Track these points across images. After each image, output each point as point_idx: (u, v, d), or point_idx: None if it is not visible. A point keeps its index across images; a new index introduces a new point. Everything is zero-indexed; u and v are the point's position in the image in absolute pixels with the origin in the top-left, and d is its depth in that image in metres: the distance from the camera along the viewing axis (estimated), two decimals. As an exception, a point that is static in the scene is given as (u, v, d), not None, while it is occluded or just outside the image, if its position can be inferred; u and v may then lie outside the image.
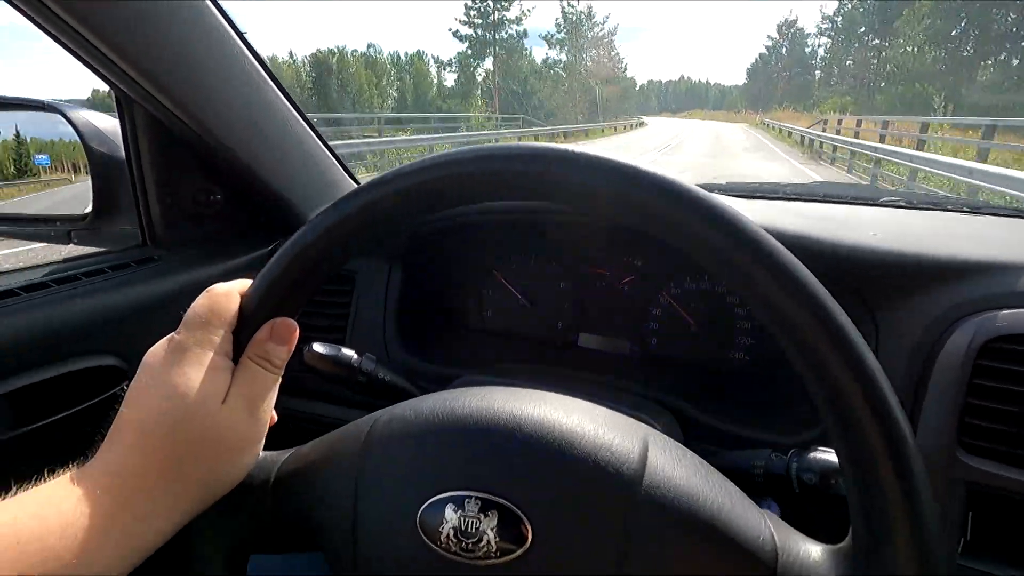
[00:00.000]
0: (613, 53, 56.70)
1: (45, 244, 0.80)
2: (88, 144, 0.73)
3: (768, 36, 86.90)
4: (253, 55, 0.71)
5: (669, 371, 0.75)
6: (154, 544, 0.32)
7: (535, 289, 0.84)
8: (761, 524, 0.31)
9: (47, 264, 0.71)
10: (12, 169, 0.83)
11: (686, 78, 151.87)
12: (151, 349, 0.35)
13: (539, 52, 58.96)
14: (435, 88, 61.28)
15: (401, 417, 0.36)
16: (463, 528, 0.30)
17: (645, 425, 0.34)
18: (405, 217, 0.36)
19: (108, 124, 0.76)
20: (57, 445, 0.63)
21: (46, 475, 0.31)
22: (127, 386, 0.35)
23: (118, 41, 0.57)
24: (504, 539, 0.30)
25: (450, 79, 61.47)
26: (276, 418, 0.40)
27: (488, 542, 0.30)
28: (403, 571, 0.33)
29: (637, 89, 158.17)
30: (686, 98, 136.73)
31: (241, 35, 0.68)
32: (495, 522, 0.30)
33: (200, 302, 0.36)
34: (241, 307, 0.37)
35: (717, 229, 0.29)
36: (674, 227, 0.30)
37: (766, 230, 0.29)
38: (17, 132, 0.85)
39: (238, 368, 0.35)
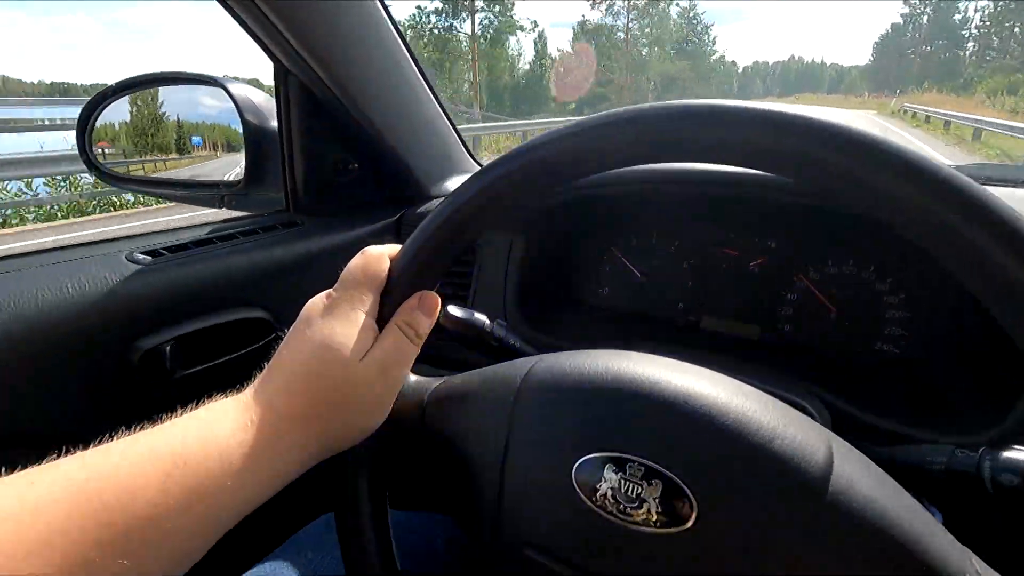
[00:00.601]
0: (687, 11, 44.54)
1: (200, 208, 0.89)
2: (244, 116, 0.80)
3: (905, 1, 70.54)
4: (396, 30, 0.75)
5: (805, 360, 0.71)
6: (288, 478, 0.34)
7: (656, 267, 0.83)
8: (966, 564, 0.28)
9: (206, 224, 0.79)
10: (175, 148, 0.94)
11: (796, 58, 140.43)
12: (311, 300, 0.38)
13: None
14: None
15: (560, 368, 0.36)
16: (623, 490, 0.30)
17: (824, 428, 0.33)
18: (556, 183, 0.36)
19: (260, 98, 0.83)
20: (214, 388, 0.70)
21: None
22: (280, 335, 0.37)
23: (288, 16, 0.63)
24: (666, 512, 0.30)
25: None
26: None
27: (649, 510, 0.30)
28: (551, 517, 0.33)
29: (740, 71, 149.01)
30: (796, 81, 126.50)
31: (387, 8, 0.72)
32: (659, 492, 0.30)
33: (355, 262, 0.39)
34: (390, 270, 0.39)
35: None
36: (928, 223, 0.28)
37: None
38: (178, 118, 0.95)
39: (384, 332, 0.37)
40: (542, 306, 0.84)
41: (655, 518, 0.30)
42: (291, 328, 0.37)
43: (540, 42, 39.43)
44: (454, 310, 0.57)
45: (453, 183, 0.97)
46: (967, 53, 63.51)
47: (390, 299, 0.38)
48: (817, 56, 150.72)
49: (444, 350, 0.81)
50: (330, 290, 0.38)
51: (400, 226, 0.91)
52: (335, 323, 0.36)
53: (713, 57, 52.09)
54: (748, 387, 0.33)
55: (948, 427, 0.56)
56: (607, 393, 0.33)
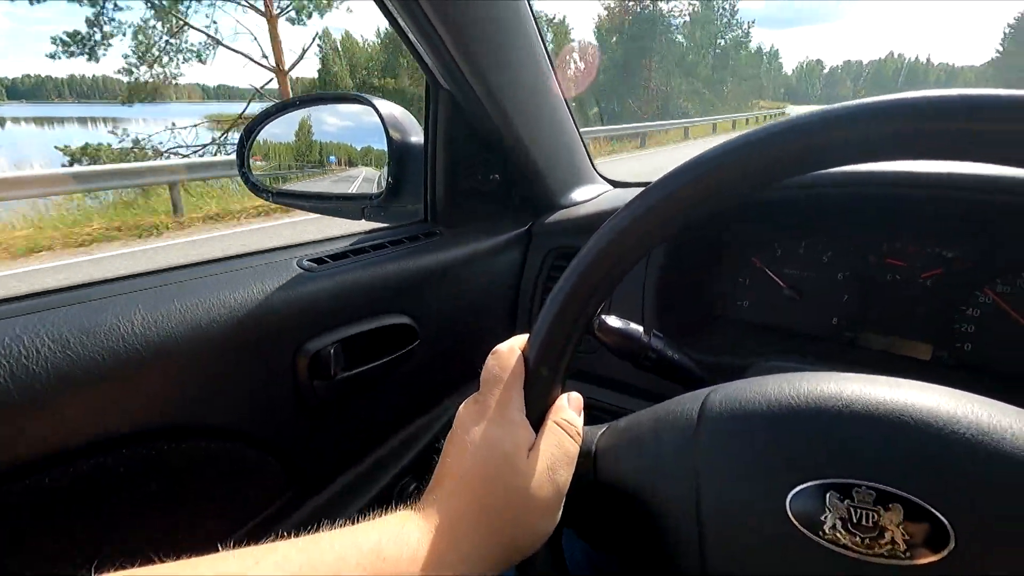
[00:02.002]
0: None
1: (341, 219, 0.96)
2: (389, 131, 0.86)
3: None
4: (542, 39, 0.78)
5: (992, 382, 0.66)
6: None
7: (805, 279, 0.80)
8: None
9: (355, 234, 0.86)
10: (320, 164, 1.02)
11: (896, 55, 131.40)
12: (462, 406, 0.40)
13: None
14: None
15: (742, 396, 0.35)
16: (855, 520, 0.29)
17: None
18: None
19: (402, 114, 0.89)
20: (368, 389, 0.75)
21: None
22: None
23: (450, 29, 0.68)
24: (916, 538, 0.28)
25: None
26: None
27: (894, 540, 0.28)
28: (770, 556, 0.31)
29: (827, 71, 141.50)
30: (894, 81, 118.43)
31: (536, 18, 0.75)
32: (900, 517, 0.28)
33: (489, 363, 0.40)
34: (526, 363, 0.40)
35: None
36: None
37: None
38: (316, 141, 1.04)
39: (543, 431, 0.39)
40: (680, 318, 0.83)
41: (902, 548, 0.28)
42: (448, 436, 0.39)
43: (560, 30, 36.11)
44: (611, 320, 0.56)
45: (579, 193, 0.99)
46: None
47: (535, 394, 0.39)
48: (922, 54, 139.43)
49: (589, 364, 0.83)
50: (476, 394, 0.40)
51: (531, 236, 0.94)
52: (491, 426, 0.37)
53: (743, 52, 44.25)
54: (971, 394, 0.32)
55: None
56: (807, 416, 0.32)
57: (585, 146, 0.99)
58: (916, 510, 0.28)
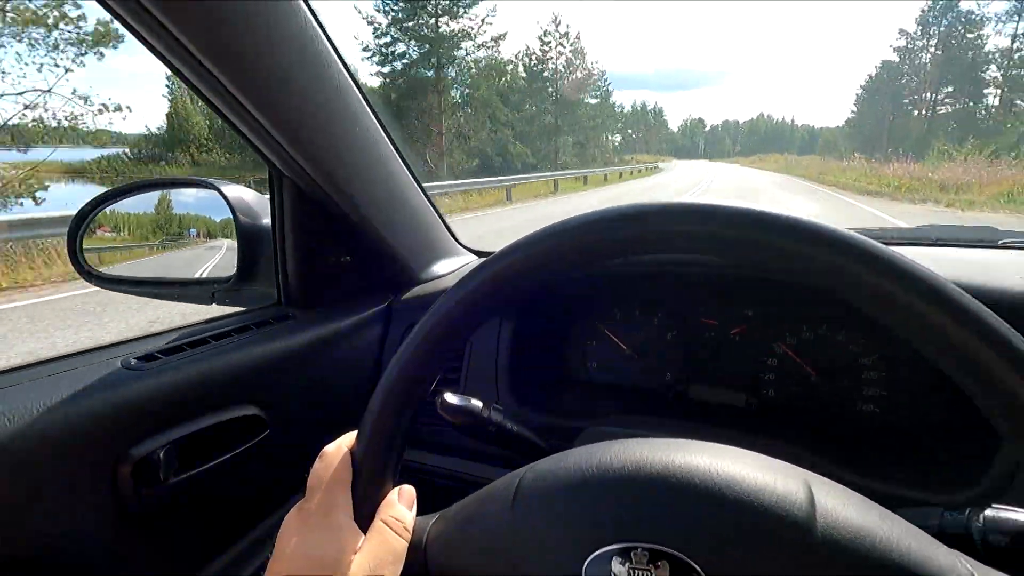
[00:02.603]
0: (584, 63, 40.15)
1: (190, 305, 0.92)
2: (236, 214, 0.85)
3: (900, 31, 52.11)
4: (380, 123, 0.82)
5: (791, 423, 0.76)
6: None
7: (642, 340, 0.88)
8: (957, 564, 0.31)
9: (197, 324, 0.82)
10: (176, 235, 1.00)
11: (765, 116, 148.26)
12: (287, 516, 0.40)
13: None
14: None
15: (548, 472, 0.38)
16: None
17: (803, 469, 0.35)
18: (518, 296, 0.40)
19: (252, 196, 0.89)
20: (209, 489, 0.71)
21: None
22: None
23: (281, 121, 0.69)
24: None
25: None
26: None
27: None
28: None
29: (708, 129, 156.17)
30: (764, 139, 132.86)
31: (375, 110, 0.79)
32: (668, 572, 0.31)
33: (316, 467, 0.41)
34: (353, 462, 0.41)
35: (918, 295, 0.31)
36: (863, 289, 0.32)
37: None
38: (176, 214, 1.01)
39: (370, 531, 0.39)
40: (534, 386, 0.87)
41: None
42: (275, 544, 0.39)
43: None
44: (451, 397, 0.59)
45: (441, 266, 1.02)
46: (988, 104, 47.57)
47: (362, 493, 0.40)
48: (787, 116, 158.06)
49: (452, 439, 0.84)
50: (301, 501, 0.40)
51: (390, 312, 0.95)
52: (314, 534, 0.37)
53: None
54: (726, 448, 0.36)
55: (934, 487, 0.60)
56: (599, 488, 0.35)
57: (443, 218, 1.02)
58: (679, 563, 0.31)
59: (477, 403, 0.60)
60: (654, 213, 0.36)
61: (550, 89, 38.45)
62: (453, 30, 30.02)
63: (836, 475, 0.62)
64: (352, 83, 0.75)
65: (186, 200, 1.00)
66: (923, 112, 50.49)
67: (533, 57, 39.03)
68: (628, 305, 0.88)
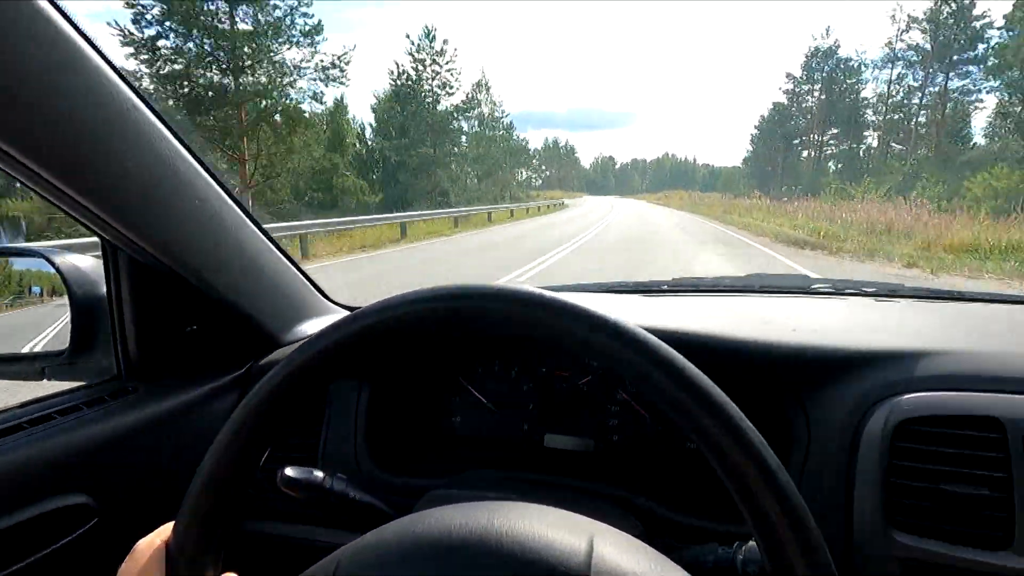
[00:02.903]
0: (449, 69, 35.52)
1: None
2: (69, 284, 0.80)
3: (787, 75, 52.19)
4: (220, 186, 0.79)
5: (632, 466, 0.80)
6: None
7: (501, 394, 0.90)
8: None
9: (11, 408, 0.75)
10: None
11: (670, 155, 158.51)
12: None
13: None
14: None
15: (364, 552, 0.38)
16: None
17: (594, 521, 0.37)
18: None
19: (88, 264, 0.84)
20: None
21: None
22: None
23: (104, 199, 0.66)
24: None
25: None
26: None
27: None
28: None
29: (618, 167, 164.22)
30: (670, 177, 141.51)
31: (213, 172, 0.77)
32: None
33: (123, 567, 0.39)
34: (167, 557, 0.40)
35: (635, 351, 0.36)
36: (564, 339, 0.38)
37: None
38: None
39: None
40: (395, 446, 0.86)
41: None
42: None
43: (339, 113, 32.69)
44: (290, 471, 0.58)
45: (307, 326, 0.99)
46: (869, 145, 48.78)
47: None
48: (690, 155, 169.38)
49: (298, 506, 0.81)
50: None
51: (249, 378, 0.91)
52: None
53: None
54: (527, 507, 0.38)
55: (731, 520, 0.66)
56: (410, 563, 0.36)
57: (304, 273, 0.99)
58: None
59: (319, 474, 0.60)
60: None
61: (425, 115, 34.15)
62: (262, 23, 21.93)
63: (663, 515, 0.69)
64: (174, 137, 0.72)
65: (17, 270, 0.93)
66: (812, 153, 52.57)
67: (403, 76, 34.78)
68: (488, 360, 0.90)
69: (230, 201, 0.82)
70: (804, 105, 52.99)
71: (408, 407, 0.91)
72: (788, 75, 53.05)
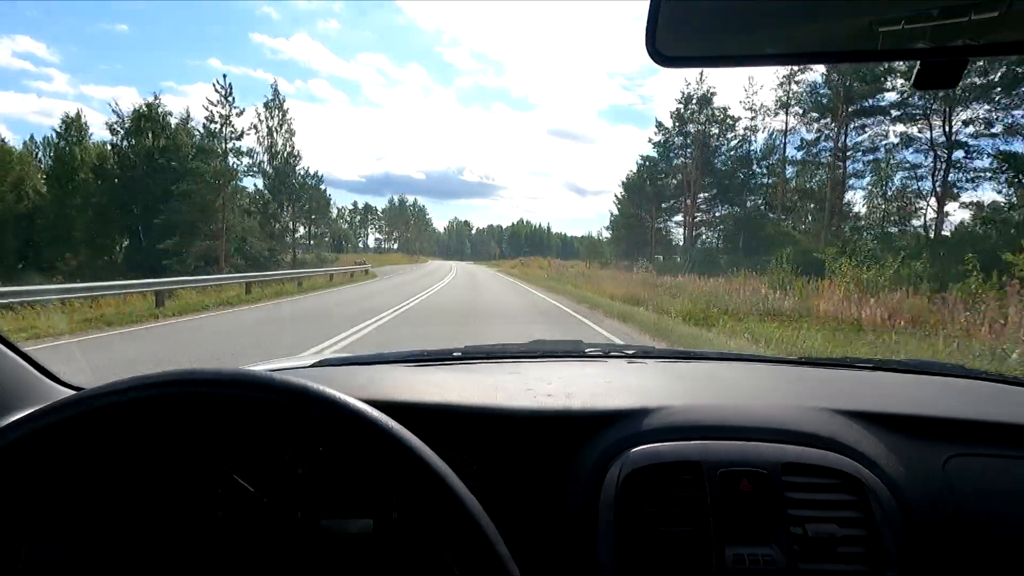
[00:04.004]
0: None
1: None
2: None
3: (657, 127, 41.47)
4: None
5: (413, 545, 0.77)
6: None
7: (271, 481, 0.80)
8: None
9: None
10: None
11: (525, 222, 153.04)
12: None
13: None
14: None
15: None
16: None
17: None
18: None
19: None
20: None
21: None
22: None
23: None
24: None
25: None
26: None
27: None
28: None
29: (474, 231, 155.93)
30: (525, 243, 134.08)
31: None
32: None
33: None
34: None
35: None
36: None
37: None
38: None
39: None
40: (135, 563, 0.73)
41: None
42: None
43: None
44: None
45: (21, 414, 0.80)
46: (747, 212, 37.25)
47: None
48: (543, 223, 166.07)
49: None
50: None
51: None
52: None
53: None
54: None
55: None
56: None
57: (18, 349, 0.87)
58: None
59: None
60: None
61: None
62: None
63: None
64: None
65: None
66: (690, 218, 41.09)
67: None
68: (258, 445, 0.79)
69: None
70: (674, 164, 42.25)
71: (153, 511, 0.76)
72: (658, 125, 42.39)
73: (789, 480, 0.73)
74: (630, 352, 1.25)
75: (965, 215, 25.04)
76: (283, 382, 0.43)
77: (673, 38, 0.56)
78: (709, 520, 0.70)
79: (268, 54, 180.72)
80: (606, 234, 52.74)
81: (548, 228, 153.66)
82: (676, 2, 0.54)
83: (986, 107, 23.47)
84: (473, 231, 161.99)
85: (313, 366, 1.10)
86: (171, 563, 0.75)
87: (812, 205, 33.95)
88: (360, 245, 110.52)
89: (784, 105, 33.90)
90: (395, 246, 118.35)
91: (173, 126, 28.64)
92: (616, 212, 46.10)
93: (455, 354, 1.19)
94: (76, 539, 0.70)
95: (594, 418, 0.82)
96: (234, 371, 0.46)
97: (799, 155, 34.21)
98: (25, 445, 0.37)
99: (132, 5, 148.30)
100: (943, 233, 24.58)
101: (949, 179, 25.24)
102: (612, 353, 1.23)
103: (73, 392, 0.91)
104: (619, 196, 45.46)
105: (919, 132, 26.33)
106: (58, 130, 28.65)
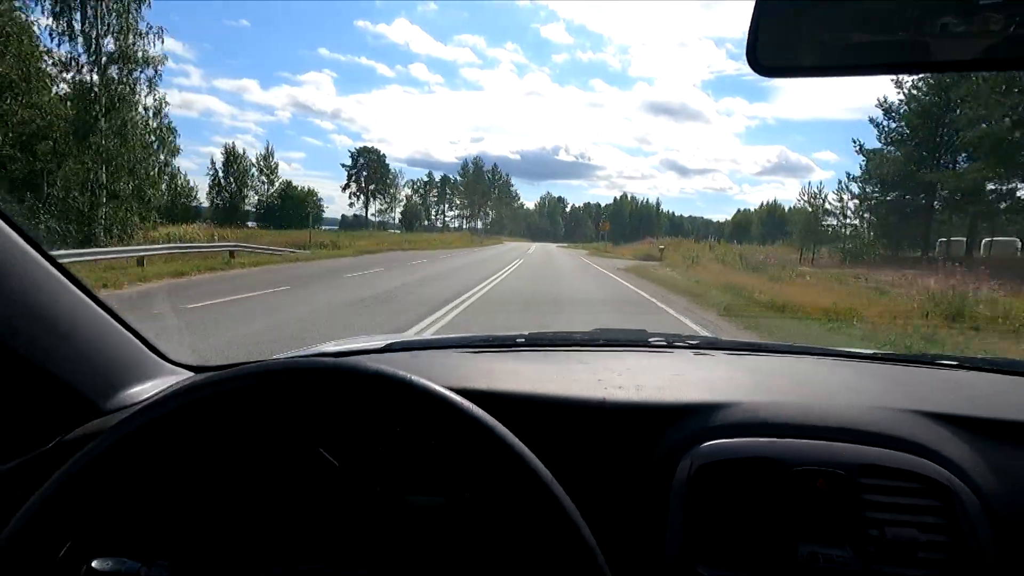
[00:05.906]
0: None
1: None
2: None
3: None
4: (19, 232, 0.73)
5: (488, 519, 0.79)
6: None
7: (348, 454, 0.83)
8: None
9: None
10: None
11: (630, 198, 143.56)
12: None
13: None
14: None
15: None
16: None
17: None
18: None
19: None
20: None
21: None
22: None
23: None
24: None
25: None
26: None
27: None
28: None
29: (568, 210, 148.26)
30: (631, 220, 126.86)
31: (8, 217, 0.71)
32: None
33: None
34: None
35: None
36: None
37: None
38: None
39: None
40: (235, 527, 0.76)
41: None
42: None
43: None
44: (99, 563, 0.55)
45: (136, 391, 0.90)
46: None
47: None
48: (651, 198, 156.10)
49: None
50: None
51: (54, 455, 0.79)
52: None
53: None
54: None
55: None
56: None
57: (131, 328, 0.92)
58: None
59: (134, 564, 0.57)
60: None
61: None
62: None
63: None
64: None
65: None
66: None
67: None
68: (342, 420, 0.82)
69: (32, 253, 0.76)
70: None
71: (249, 481, 0.81)
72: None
73: (866, 482, 0.73)
74: (695, 343, 1.25)
75: None
76: (393, 373, 0.52)
77: (775, 49, 0.57)
78: (781, 517, 0.71)
79: (370, 40, 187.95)
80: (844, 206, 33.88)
81: (658, 204, 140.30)
82: (777, 13, 0.56)
83: None
84: (568, 208, 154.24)
85: (383, 350, 1.15)
86: (262, 534, 0.79)
87: None
88: (438, 224, 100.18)
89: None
90: (477, 224, 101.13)
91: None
92: (864, 168, 31.80)
93: (519, 340, 1.21)
94: (186, 502, 0.75)
95: (664, 411, 0.84)
96: (351, 362, 0.53)
97: None
98: (169, 420, 0.43)
99: (253, 3, 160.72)
100: None
101: None
102: (677, 343, 1.24)
103: (181, 368, 1.00)
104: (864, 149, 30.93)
105: None
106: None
